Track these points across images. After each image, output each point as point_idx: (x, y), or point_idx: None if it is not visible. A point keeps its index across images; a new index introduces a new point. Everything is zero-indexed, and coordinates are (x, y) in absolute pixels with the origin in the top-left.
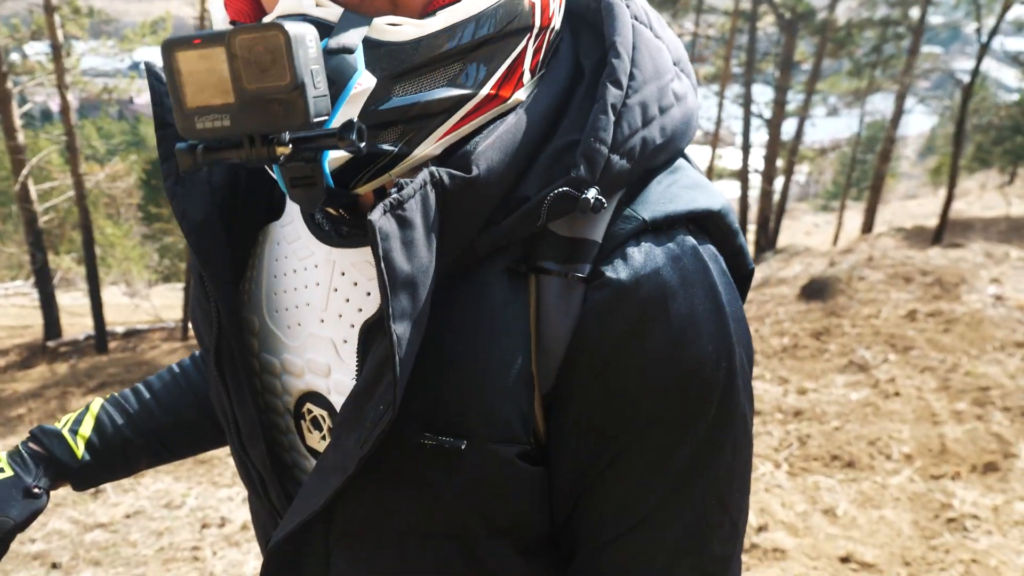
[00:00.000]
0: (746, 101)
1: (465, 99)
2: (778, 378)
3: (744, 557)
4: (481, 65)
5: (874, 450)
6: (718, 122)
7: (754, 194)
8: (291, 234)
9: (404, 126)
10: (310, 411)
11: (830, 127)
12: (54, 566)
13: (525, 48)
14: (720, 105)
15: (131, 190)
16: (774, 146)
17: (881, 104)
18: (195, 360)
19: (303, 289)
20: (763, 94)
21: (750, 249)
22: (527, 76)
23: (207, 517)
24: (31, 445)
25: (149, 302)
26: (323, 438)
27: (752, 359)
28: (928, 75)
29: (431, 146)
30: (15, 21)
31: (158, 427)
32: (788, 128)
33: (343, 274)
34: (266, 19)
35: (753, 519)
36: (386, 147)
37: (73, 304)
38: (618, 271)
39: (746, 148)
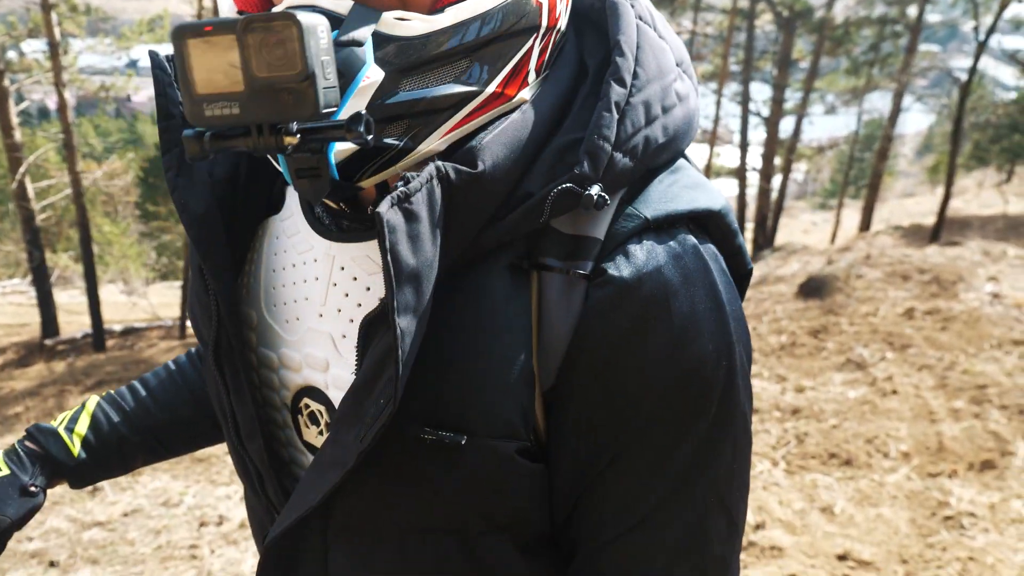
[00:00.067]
0: (744, 99)
1: (471, 96)
2: (776, 376)
3: (741, 555)
4: (488, 63)
5: (871, 448)
6: (716, 120)
7: (752, 192)
8: (290, 228)
9: (410, 121)
10: (307, 406)
11: (828, 125)
12: (52, 564)
13: (531, 47)
14: (718, 103)
15: (128, 188)
16: (772, 144)
17: (879, 102)
18: (191, 357)
19: (302, 283)
20: (761, 92)
21: (748, 247)
22: (532, 76)
23: (205, 515)
24: (27, 443)
25: (147, 300)
26: (320, 433)
27: (751, 358)
28: (926, 73)
29: (436, 142)
30: (12, 19)
31: (154, 424)
32: (786, 126)
33: (342, 269)
34: (276, 8)
35: (751, 517)
36: (391, 141)
37: (70, 302)
38: (620, 269)
39: (744, 146)
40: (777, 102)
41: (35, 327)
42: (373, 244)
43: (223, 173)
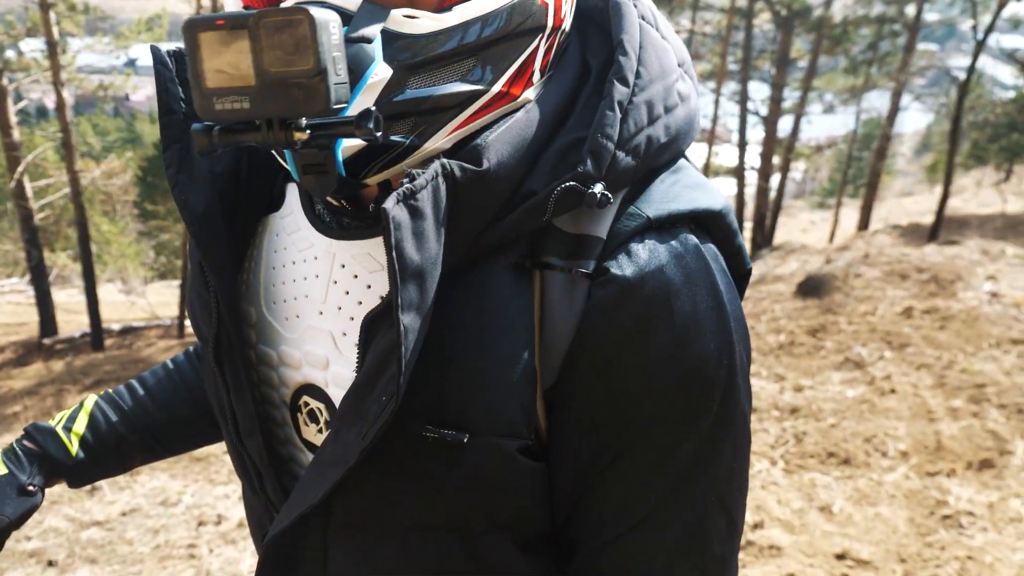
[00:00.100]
0: (742, 98)
1: (477, 95)
2: (774, 375)
3: (740, 554)
4: (493, 62)
5: (870, 447)
6: (714, 119)
7: (750, 191)
8: (291, 225)
9: (417, 118)
10: (307, 404)
11: (826, 124)
12: (50, 564)
13: (537, 48)
14: (716, 102)
15: (127, 187)
16: (770, 143)
17: (877, 101)
18: (189, 356)
19: (302, 281)
20: (759, 91)
21: (746, 246)
22: (536, 75)
23: (203, 515)
24: (25, 443)
25: (145, 299)
26: (320, 431)
27: (750, 357)
28: (924, 72)
29: (442, 139)
30: (10, 18)
31: (152, 423)
32: (784, 125)
33: (343, 266)
34: (285, 3)
35: (749, 516)
36: (398, 139)
37: (69, 301)
38: (623, 268)
39: (742, 145)
40: (775, 101)
41: (33, 326)
42: (374, 242)
43: (225, 167)
